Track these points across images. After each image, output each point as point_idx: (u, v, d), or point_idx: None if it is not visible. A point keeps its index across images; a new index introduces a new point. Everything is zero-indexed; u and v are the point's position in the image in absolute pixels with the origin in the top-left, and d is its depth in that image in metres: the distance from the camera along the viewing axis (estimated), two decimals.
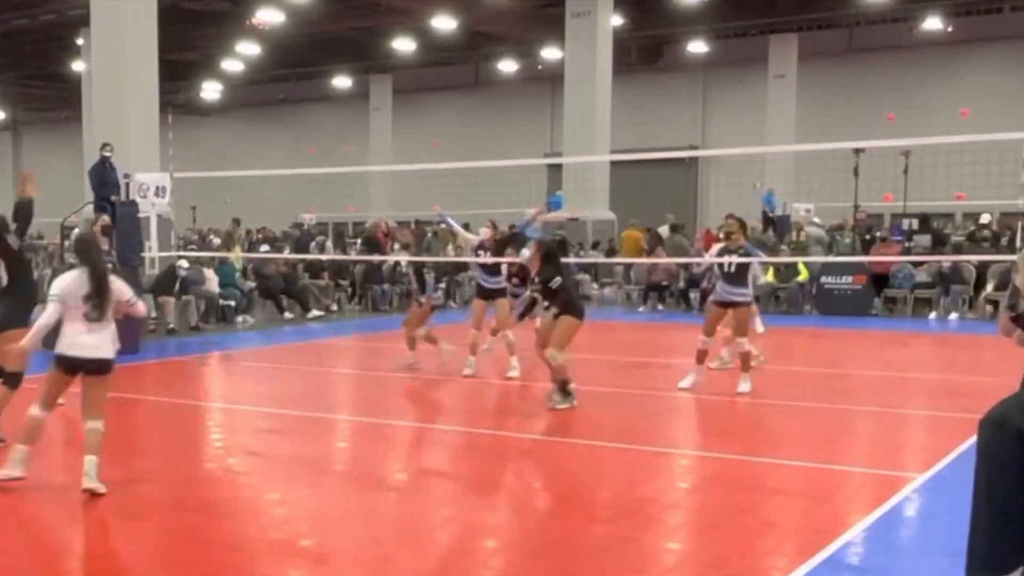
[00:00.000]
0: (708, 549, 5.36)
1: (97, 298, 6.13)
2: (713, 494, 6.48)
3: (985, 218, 20.99)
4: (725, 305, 10.13)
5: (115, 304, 6.30)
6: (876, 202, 22.37)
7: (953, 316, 17.87)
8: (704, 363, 10.34)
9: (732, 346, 10.91)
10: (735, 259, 9.97)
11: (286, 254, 20.61)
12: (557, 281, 9.29)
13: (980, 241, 19.40)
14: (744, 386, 9.97)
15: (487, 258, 11.34)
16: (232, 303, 17.54)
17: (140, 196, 14.73)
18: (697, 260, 12.02)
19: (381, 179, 30.67)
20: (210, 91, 37.91)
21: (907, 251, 19.28)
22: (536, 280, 9.65)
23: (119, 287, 6.35)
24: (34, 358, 6.95)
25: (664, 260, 19.70)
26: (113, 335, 6.32)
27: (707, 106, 33.04)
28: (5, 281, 7.36)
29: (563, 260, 11.11)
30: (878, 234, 21.15)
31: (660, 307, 20.09)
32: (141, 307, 6.72)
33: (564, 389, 9.20)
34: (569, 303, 9.37)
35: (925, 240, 19.94)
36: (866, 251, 19.86)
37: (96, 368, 6.17)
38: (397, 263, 12.20)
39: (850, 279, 18.58)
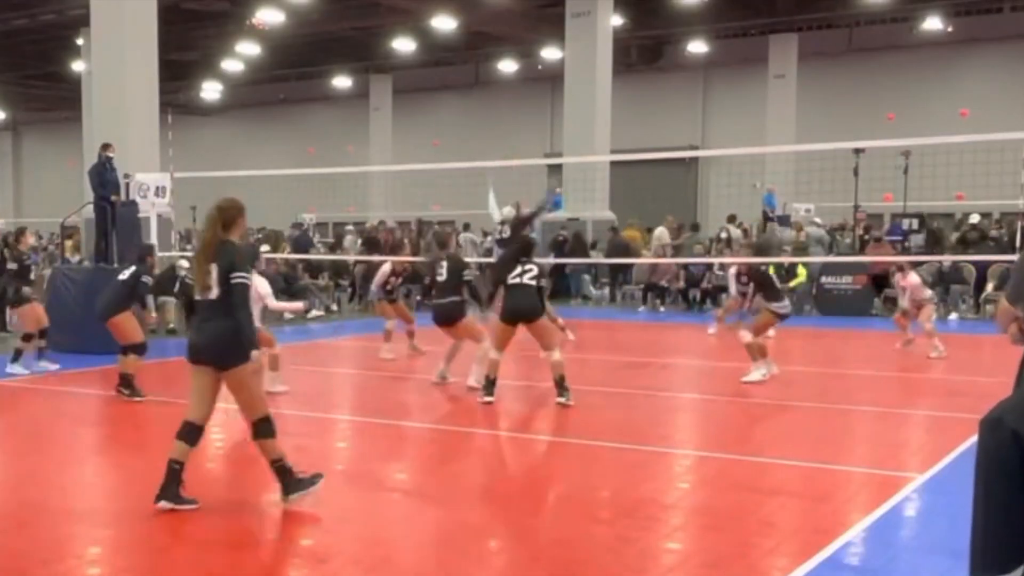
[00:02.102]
0: (708, 549, 5.36)
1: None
2: (713, 494, 6.48)
3: (975, 218, 20.94)
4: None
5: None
6: (876, 202, 22.37)
7: (953, 316, 17.87)
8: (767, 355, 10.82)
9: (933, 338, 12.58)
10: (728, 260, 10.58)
11: (286, 254, 20.61)
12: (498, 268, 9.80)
13: (987, 239, 19.23)
14: (754, 375, 10.43)
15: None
16: None
17: (140, 196, 14.74)
18: (685, 261, 12.59)
19: (381, 179, 30.67)
20: (210, 91, 37.91)
21: (905, 251, 19.26)
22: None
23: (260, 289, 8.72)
24: None
25: (665, 260, 19.69)
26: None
27: (707, 106, 33.05)
28: None
29: (541, 259, 11.44)
30: (869, 235, 21.12)
31: (661, 308, 20.09)
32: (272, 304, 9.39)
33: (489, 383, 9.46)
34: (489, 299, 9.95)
35: (919, 239, 19.91)
36: (863, 252, 19.85)
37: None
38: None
39: (850, 279, 18.58)
